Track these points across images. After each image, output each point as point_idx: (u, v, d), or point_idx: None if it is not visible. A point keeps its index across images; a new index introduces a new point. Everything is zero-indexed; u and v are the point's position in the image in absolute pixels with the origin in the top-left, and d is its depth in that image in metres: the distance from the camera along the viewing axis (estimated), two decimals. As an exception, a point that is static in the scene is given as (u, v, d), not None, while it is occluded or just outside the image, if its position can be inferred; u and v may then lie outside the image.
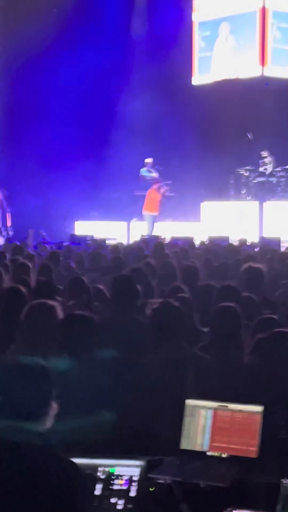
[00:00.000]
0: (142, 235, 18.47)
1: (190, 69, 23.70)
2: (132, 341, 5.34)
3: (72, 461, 3.13)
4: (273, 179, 20.92)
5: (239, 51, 22.68)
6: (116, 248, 13.37)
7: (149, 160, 21.46)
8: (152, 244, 13.98)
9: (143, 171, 21.37)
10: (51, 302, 5.38)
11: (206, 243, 15.32)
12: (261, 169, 21.19)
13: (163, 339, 5.03)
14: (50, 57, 22.29)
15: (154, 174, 21.33)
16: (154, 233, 19.50)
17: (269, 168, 21.10)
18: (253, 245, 14.71)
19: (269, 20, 21.98)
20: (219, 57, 23.23)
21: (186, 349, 5.06)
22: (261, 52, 22.05)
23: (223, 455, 4.05)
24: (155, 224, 20.57)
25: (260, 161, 21.29)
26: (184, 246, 13.69)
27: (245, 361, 5.16)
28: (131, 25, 23.45)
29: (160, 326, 5.12)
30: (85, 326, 4.86)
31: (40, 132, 21.81)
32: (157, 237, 16.84)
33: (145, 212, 20.68)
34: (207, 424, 4.11)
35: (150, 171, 21.35)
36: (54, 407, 3.25)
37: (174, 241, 15.27)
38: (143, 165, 21.51)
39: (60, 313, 5.19)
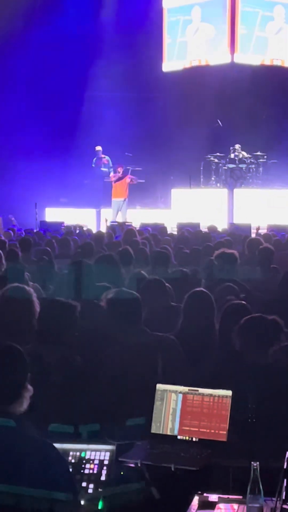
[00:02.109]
0: (110, 221, 18.41)
1: (160, 56, 23.64)
2: (94, 327, 5.30)
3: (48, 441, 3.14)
4: (243, 166, 20.97)
5: (210, 38, 22.64)
6: (101, 235, 13.26)
7: (99, 148, 21.44)
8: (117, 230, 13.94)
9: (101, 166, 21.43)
10: (27, 287, 5.32)
11: (174, 229, 15.33)
12: (231, 155, 21.23)
13: (121, 327, 4.99)
14: (16, 41, 21.99)
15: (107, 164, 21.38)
16: (121, 219, 19.40)
17: (239, 155, 21.14)
18: (223, 232, 14.73)
19: (239, 6, 21.96)
20: (189, 43, 23.17)
21: (149, 333, 5.07)
22: (231, 39, 22.03)
23: (194, 439, 4.07)
24: (124, 210, 20.39)
25: (231, 147, 21.32)
26: (154, 232, 13.68)
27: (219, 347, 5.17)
28: (100, 11, 23.28)
29: (117, 315, 5.06)
30: (67, 313, 4.80)
31: (7, 117, 21.60)
32: (124, 224, 16.78)
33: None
34: (177, 408, 4.13)
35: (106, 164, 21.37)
36: (30, 389, 3.24)
37: (144, 228, 15.24)
38: (94, 153, 21.49)
39: (35, 300, 5.13)
